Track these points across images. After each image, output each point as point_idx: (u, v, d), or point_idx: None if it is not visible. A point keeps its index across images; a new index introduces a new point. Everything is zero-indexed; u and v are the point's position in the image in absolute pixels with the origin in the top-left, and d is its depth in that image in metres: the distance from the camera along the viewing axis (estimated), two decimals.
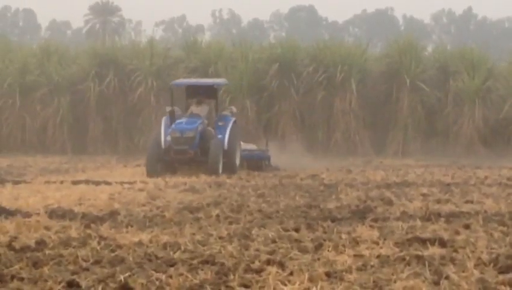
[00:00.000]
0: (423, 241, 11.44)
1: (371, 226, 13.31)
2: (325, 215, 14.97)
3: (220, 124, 23.80)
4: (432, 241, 11.37)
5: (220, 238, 12.03)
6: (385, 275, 9.16)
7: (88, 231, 12.55)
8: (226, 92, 34.18)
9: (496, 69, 35.93)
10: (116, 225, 13.50)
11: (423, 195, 18.66)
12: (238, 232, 12.58)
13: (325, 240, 11.65)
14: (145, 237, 12.04)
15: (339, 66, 34.87)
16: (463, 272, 9.24)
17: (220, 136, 23.39)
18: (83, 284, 8.58)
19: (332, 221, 14.08)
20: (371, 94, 34.88)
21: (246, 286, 8.71)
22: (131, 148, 35.42)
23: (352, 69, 34.75)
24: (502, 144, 33.35)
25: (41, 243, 11.28)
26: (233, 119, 24.38)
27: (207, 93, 24.88)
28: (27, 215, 14.27)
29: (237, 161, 23.95)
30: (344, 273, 9.22)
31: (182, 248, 11.03)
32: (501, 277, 8.93)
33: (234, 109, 25.32)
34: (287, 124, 34.28)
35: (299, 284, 8.61)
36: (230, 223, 13.88)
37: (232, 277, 9.05)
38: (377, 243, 11.39)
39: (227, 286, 8.67)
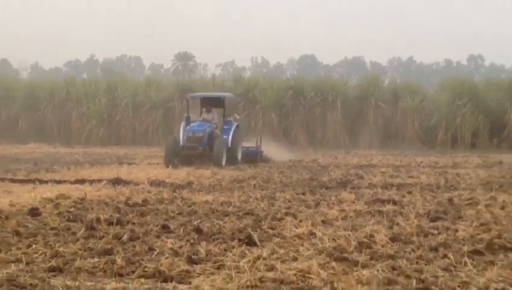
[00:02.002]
0: (382, 201, 13.31)
1: (349, 192, 15.24)
2: (321, 185, 17.00)
3: (225, 127, 24.17)
4: (388, 201, 13.26)
5: (256, 198, 13.89)
6: (359, 222, 10.83)
7: (174, 194, 14.49)
8: (260, 108, 37.73)
9: (427, 95, 38.09)
10: (192, 190, 15.40)
11: (382, 173, 20.73)
12: (267, 195, 14.51)
13: (321, 200, 13.65)
14: (209, 197, 13.86)
15: (329, 92, 37.46)
16: (407, 220, 10.88)
17: (224, 136, 23.60)
18: (171, 226, 10.23)
19: (326, 188, 16.14)
20: (350, 110, 37.26)
21: (272, 229, 10.18)
22: None
23: (338, 94, 37.41)
24: (431, 141, 35.27)
25: (145, 201, 13.21)
26: (236, 123, 24.56)
27: (217, 103, 25.35)
28: (136, 184, 16.27)
29: (239, 156, 24.24)
30: (333, 221, 10.93)
31: (232, 204, 12.89)
32: (431, 224, 10.67)
33: (237, 116, 25.96)
34: (297, 128, 36.59)
35: (305, 228, 10.04)
36: (262, 189, 15.82)
37: (263, 223, 10.70)
38: (354, 202, 13.25)
39: (260, 229, 10.12)
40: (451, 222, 11.00)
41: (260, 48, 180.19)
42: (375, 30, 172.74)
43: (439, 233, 9.90)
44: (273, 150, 26.89)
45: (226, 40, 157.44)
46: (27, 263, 7.94)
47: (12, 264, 7.86)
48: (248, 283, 7.01)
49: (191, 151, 22.93)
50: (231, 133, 23.78)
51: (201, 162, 22.92)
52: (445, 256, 8.30)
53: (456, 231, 10.06)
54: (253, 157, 24.73)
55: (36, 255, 8.36)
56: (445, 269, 7.66)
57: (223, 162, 22.43)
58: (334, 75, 60.61)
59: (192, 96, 27.68)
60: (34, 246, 8.85)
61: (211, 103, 25.26)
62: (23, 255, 8.29)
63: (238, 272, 7.44)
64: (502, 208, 12.54)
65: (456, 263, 7.94)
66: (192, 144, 22.86)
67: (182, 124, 23.73)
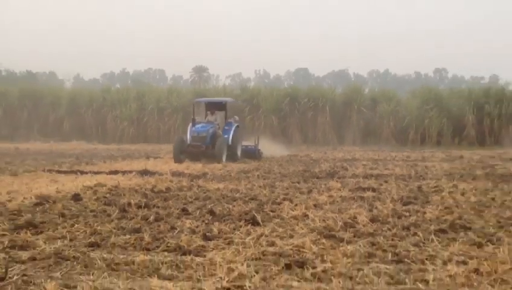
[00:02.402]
0: (363, 189, 13.30)
1: (336, 181, 15.17)
2: (313, 175, 16.90)
3: (226, 128, 23.24)
4: (368, 189, 13.26)
5: (259, 186, 13.83)
6: (344, 206, 10.85)
7: (192, 183, 14.44)
8: (262, 112, 37.24)
9: (400, 101, 37.88)
10: (206, 180, 15.36)
11: (363, 165, 20.59)
12: (268, 184, 14.42)
13: (313, 188, 13.61)
14: (221, 185, 13.89)
15: (320, 99, 37.29)
16: (384, 204, 10.89)
17: (225, 136, 22.69)
18: (189, 209, 10.29)
19: (317, 178, 16.02)
20: (336, 113, 37.00)
21: (272, 211, 10.22)
22: None
23: (327, 100, 37.17)
24: (403, 140, 35.09)
25: (168, 189, 13.21)
26: (236, 124, 23.55)
27: (219, 107, 24.34)
28: (160, 174, 16.23)
29: (239, 153, 23.32)
30: (323, 205, 10.96)
31: (240, 191, 12.90)
32: (404, 207, 10.66)
33: (237, 118, 24.70)
34: (293, 129, 36.40)
35: (300, 211, 10.09)
36: (264, 179, 15.74)
37: (265, 206, 10.75)
38: (340, 190, 13.20)
39: (263, 211, 10.15)
40: (420, 205, 11.01)
41: (262, 62, 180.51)
42: (357, 47, 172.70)
43: (410, 215, 9.93)
44: (273, 147, 26.58)
45: (235, 56, 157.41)
46: (71, 239, 7.99)
47: (59, 240, 7.91)
48: (253, 256, 7.07)
49: (196, 149, 22.13)
50: (231, 133, 22.95)
51: (205, 158, 21.85)
52: (415, 234, 8.34)
53: (424, 213, 10.07)
54: (252, 154, 23.88)
55: (78, 233, 8.41)
56: (415, 245, 7.71)
57: (224, 159, 21.72)
58: (324, 85, 60.72)
59: (198, 101, 26.98)
60: (76, 225, 8.91)
61: (215, 106, 24.46)
62: (67, 233, 8.34)
63: (245, 247, 7.50)
64: (462, 194, 12.56)
65: (424, 240, 7.98)
66: (196, 142, 22.15)
67: (189, 126, 23.08)
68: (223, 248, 7.51)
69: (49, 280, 5.90)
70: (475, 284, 5.91)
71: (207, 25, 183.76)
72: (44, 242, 7.74)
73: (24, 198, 11.50)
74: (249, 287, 5.70)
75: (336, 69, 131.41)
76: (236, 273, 6.20)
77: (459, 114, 35.64)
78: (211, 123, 22.91)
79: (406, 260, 6.92)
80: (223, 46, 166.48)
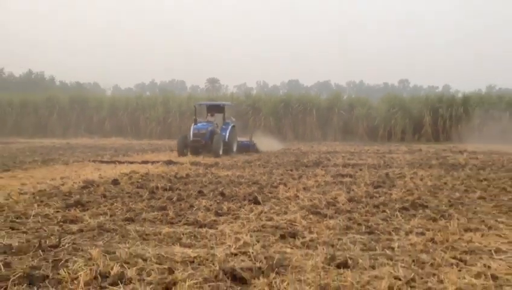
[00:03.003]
0: (343, 175, 13.29)
1: (321, 169, 15.09)
2: (302, 164, 16.75)
3: (223, 127, 22.13)
4: (346, 175, 13.28)
5: (260, 173, 13.82)
6: (327, 189, 10.78)
7: (206, 170, 14.43)
8: (262, 114, 36.83)
9: (372, 106, 37.58)
10: (218, 168, 15.31)
11: (342, 157, 20.26)
12: (267, 171, 14.39)
13: (302, 175, 13.55)
14: (229, 173, 13.87)
15: (308, 104, 37.12)
16: (359, 187, 10.89)
17: (223, 133, 21.67)
18: (205, 191, 10.32)
19: (306, 167, 15.91)
20: (322, 116, 36.80)
21: (270, 193, 10.19)
22: None
23: (314, 105, 36.91)
24: (374, 136, 35.03)
25: (187, 175, 13.17)
26: (232, 124, 22.43)
27: (218, 109, 23.08)
28: (181, 164, 16.22)
29: (234, 148, 22.31)
30: (310, 188, 10.94)
31: (244, 177, 12.88)
32: (375, 190, 10.71)
33: (233, 119, 23.53)
34: (286, 128, 36.21)
35: (292, 192, 10.10)
36: (264, 167, 15.63)
37: (265, 189, 10.73)
38: (324, 176, 13.13)
39: (263, 193, 10.11)
40: (388, 188, 11.01)
41: (263, 75, 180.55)
42: (338, 62, 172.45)
43: (379, 196, 9.94)
44: (271, 143, 26.43)
45: (241, 70, 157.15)
46: (110, 215, 8.01)
47: (101, 216, 7.93)
48: (255, 228, 7.07)
49: (196, 143, 21.06)
50: (228, 131, 21.95)
51: (204, 152, 20.81)
52: (383, 211, 8.36)
53: (391, 194, 10.07)
54: (247, 149, 22.87)
55: (116, 210, 8.42)
56: (383, 219, 7.73)
57: (220, 152, 20.61)
58: (311, 93, 60.48)
59: (200, 104, 25.18)
60: (115, 204, 8.93)
61: (214, 109, 23.20)
62: (108, 210, 8.36)
63: (248, 221, 7.51)
64: (421, 179, 12.55)
65: (390, 216, 8.00)
66: (197, 138, 21.03)
67: (192, 125, 21.73)
68: (231, 222, 7.52)
69: (93, 247, 5.91)
70: (431, 250, 5.92)
71: (219, 45, 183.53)
72: (90, 217, 7.76)
73: (74, 182, 11.53)
74: (252, 253, 5.69)
75: (320, 80, 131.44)
76: (241, 242, 6.22)
77: (419, 116, 35.63)
78: (211, 123, 21.86)
79: (376, 231, 6.95)
80: (232, 62, 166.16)
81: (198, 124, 21.62)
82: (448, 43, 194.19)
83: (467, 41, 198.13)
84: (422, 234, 6.73)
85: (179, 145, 21.19)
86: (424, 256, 5.64)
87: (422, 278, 4.87)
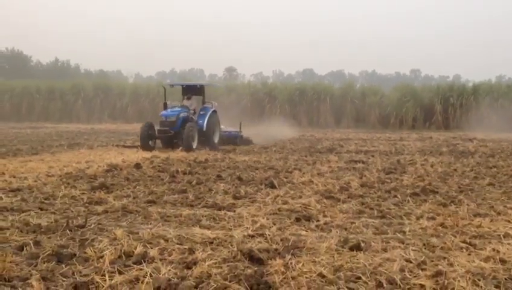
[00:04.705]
0: (355, 161, 13.27)
1: (334, 155, 15.08)
2: (316, 150, 16.66)
3: (201, 112, 17.47)
4: (359, 161, 13.27)
5: (276, 159, 13.83)
6: (340, 175, 10.81)
7: (224, 156, 14.42)
8: (278, 102, 36.18)
9: (384, 94, 36.99)
10: (235, 154, 15.30)
11: (355, 143, 20.02)
12: (283, 157, 14.40)
13: (316, 160, 13.58)
14: (247, 158, 13.85)
15: (322, 92, 36.74)
16: (371, 173, 10.96)
17: (200, 121, 17.09)
18: (223, 176, 10.39)
19: (320, 153, 15.83)
20: (335, 104, 36.37)
21: (286, 178, 10.19)
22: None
23: (327, 94, 36.51)
24: (386, 124, 34.60)
25: (206, 160, 13.17)
26: (212, 109, 17.73)
27: (196, 91, 18.28)
28: (200, 149, 16.05)
29: (215, 139, 17.58)
30: (324, 173, 10.97)
31: (260, 162, 12.91)
32: (386, 176, 10.72)
33: (215, 103, 18.61)
34: (301, 115, 35.87)
35: (307, 177, 10.10)
36: (279, 153, 15.56)
37: (280, 174, 10.76)
38: (337, 162, 13.15)
39: (278, 178, 10.11)
40: (399, 174, 10.96)
41: (278, 64, 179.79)
42: (351, 52, 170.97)
43: (391, 181, 9.90)
44: (286, 130, 26.21)
45: (258, 59, 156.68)
46: (133, 197, 8.06)
47: (124, 198, 7.99)
48: (271, 211, 7.08)
49: (163, 134, 16.61)
50: (206, 118, 17.25)
51: (174, 144, 16.57)
52: (395, 196, 8.33)
53: (402, 180, 10.03)
54: (234, 140, 18.87)
55: (139, 192, 8.47)
56: (395, 204, 7.70)
57: (194, 145, 16.18)
58: (325, 82, 60.09)
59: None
60: (137, 187, 9.00)
61: (190, 91, 18.32)
62: (131, 193, 8.42)
63: (265, 205, 7.52)
64: (431, 166, 12.48)
65: (402, 201, 7.98)
66: (164, 128, 16.57)
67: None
68: (248, 205, 7.55)
69: (118, 228, 5.98)
70: (441, 235, 5.89)
71: (237, 34, 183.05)
72: (114, 199, 7.83)
73: (98, 166, 11.61)
74: (268, 235, 5.71)
75: (334, 69, 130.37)
76: (258, 224, 6.24)
77: (429, 104, 35.24)
78: (185, 108, 17.24)
79: (388, 216, 6.93)
80: (249, 50, 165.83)
81: (168, 110, 17.14)
82: (462, 35, 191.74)
83: (477, 31, 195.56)
84: (433, 218, 6.70)
85: (142, 137, 16.51)
86: (434, 240, 5.62)
87: (432, 261, 4.85)
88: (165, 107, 17.44)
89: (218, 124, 18.10)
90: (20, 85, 41.19)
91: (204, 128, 17.13)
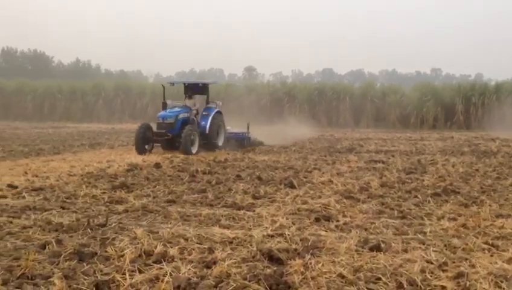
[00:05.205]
0: (375, 161, 13.21)
1: (354, 155, 15.01)
2: (336, 150, 16.63)
3: (204, 113, 16.08)
4: (379, 161, 13.17)
5: (295, 158, 13.81)
6: (360, 174, 10.78)
7: (244, 155, 14.41)
8: (297, 102, 36.00)
9: (404, 93, 36.46)
10: (255, 153, 15.33)
11: (375, 143, 19.88)
12: (302, 156, 14.37)
13: (336, 160, 13.55)
14: (266, 158, 13.87)
15: (341, 92, 36.46)
16: (391, 173, 10.91)
17: (202, 122, 15.76)
18: (242, 175, 10.42)
19: (339, 153, 15.80)
20: (354, 103, 35.98)
21: (305, 177, 10.23)
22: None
23: (347, 93, 36.22)
24: (406, 124, 34.16)
25: (226, 160, 13.21)
26: (216, 109, 16.37)
27: (199, 90, 16.85)
28: (220, 149, 15.92)
29: (219, 142, 16.26)
30: (344, 173, 10.96)
31: (280, 162, 12.91)
32: (406, 176, 10.64)
33: (219, 103, 17.24)
34: (321, 115, 35.63)
35: (326, 177, 10.11)
36: (299, 153, 15.53)
37: (300, 173, 10.78)
38: (357, 162, 13.10)
39: (298, 177, 10.15)
40: (420, 174, 10.87)
41: (298, 63, 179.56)
42: (371, 51, 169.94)
43: (411, 182, 9.82)
44: (304, 129, 26.05)
45: (277, 59, 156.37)
46: (153, 197, 8.11)
47: (145, 198, 8.05)
48: (290, 211, 7.08)
49: (159, 137, 15.07)
50: (209, 119, 15.86)
51: (172, 148, 15.14)
52: (416, 196, 8.27)
53: (423, 180, 9.95)
54: (241, 142, 17.42)
55: (159, 192, 8.53)
56: (416, 205, 7.65)
57: (194, 150, 14.71)
58: (344, 81, 59.71)
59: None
60: (157, 186, 9.06)
61: (192, 90, 16.78)
62: (151, 192, 8.48)
63: (284, 204, 7.52)
64: (453, 166, 12.35)
65: (423, 201, 7.91)
66: (161, 130, 15.09)
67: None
68: (268, 205, 7.55)
69: (138, 227, 6.02)
70: (463, 235, 5.83)
71: (256, 34, 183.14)
72: (134, 198, 7.89)
73: (119, 165, 11.74)
74: (288, 234, 5.70)
75: (354, 68, 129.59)
76: (278, 224, 6.24)
77: (451, 103, 34.81)
78: (186, 108, 15.87)
79: (408, 216, 6.88)
80: (268, 50, 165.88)
81: (166, 111, 15.76)
82: (483, 32, 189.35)
83: (499, 29, 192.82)
84: (454, 219, 6.63)
85: (137, 141, 14.96)
86: (456, 241, 5.55)
87: (454, 262, 4.79)
88: (164, 107, 16.02)
89: (223, 126, 16.77)
90: (43, 85, 41.72)
91: (207, 131, 15.79)
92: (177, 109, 15.74)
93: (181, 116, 15.46)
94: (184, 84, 17.33)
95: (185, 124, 15.27)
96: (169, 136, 15.03)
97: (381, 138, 23.87)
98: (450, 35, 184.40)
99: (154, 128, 15.39)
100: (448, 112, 34.71)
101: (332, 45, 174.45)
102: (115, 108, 40.31)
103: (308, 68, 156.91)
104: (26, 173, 10.44)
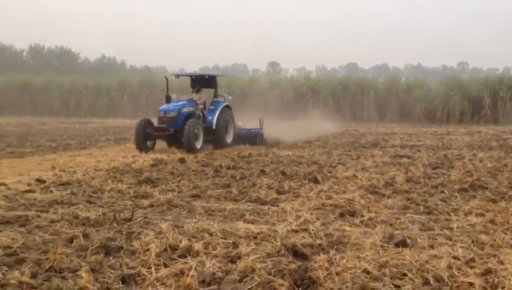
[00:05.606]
0: (400, 156, 13.06)
1: (379, 149, 14.94)
2: (360, 145, 16.53)
3: (211, 107, 15.11)
4: (404, 156, 13.03)
5: (319, 153, 13.81)
6: (385, 169, 10.70)
7: (268, 150, 14.37)
8: (321, 96, 35.89)
9: (430, 88, 35.92)
10: (279, 148, 15.27)
11: (400, 138, 19.74)
12: (326, 151, 14.37)
13: (360, 155, 13.48)
14: (290, 153, 13.92)
15: (366, 86, 36.15)
16: (417, 168, 10.78)
17: (209, 118, 14.86)
18: (266, 170, 10.42)
19: (363, 147, 15.71)
20: (379, 98, 35.62)
21: (329, 172, 10.20)
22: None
23: (371, 87, 35.90)
24: (432, 118, 33.67)
25: (250, 154, 13.28)
26: (224, 104, 15.32)
27: (206, 83, 15.77)
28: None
29: (228, 138, 15.27)
30: (368, 168, 10.88)
31: (304, 157, 12.88)
32: (433, 171, 10.51)
33: (229, 97, 16.27)
34: (345, 110, 35.37)
35: (350, 172, 10.05)
36: (323, 148, 15.50)
37: (324, 168, 10.75)
38: (381, 157, 13.03)
39: (322, 172, 10.11)
40: (446, 169, 10.73)
41: (322, 58, 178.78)
42: (396, 45, 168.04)
43: (438, 177, 9.70)
44: (329, 124, 25.84)
45: (301, 54, 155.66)
46: (178, 192, 8.17)
47: (170, 192, 8.10)
48: (315, 206, 7.05)
49: (160, 132, 14.15)
50: (216, 114, 14.86)
51: (175, 145, 14.28)
52: (442, 192, 8.18)
53: (449, 175, 9.82)
54: (254, 139, 16.32)
55: (183, 187, 8.57)
56: (442, 200, 7.56)
57: (198, 145, 13.89)
58: (369, 76, 59.11)
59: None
60: (182, 181, 9.11)
61: (199, 82, 15.72)
62: (176, 187, 8.54)
63: (308, 199, 7.50)
64: (480, 161, 12.17)
65: (449, 196, 7.81)
66: (162, 125, 14.14)
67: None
68: (292, 200, 7.54)
69: (163, 221, 6.07)
70: (491, 231, 5.73)
71: (280, 29, 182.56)
72: (159, 193, 7.94)
73: (144, 160, 11.88)
74: (312, 230, 5.68)
75: (378, 63, 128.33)
76: (302, 219, 6.22)
77: (478, 98, 34.22)
78: (191, 101, 14.93)
79: (434, 211, 6.80)
80: (292, 45, 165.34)
81: (168, 104, 14.77)
82: (508, 23, 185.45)
83: None
84: (482, 215, 6.54)
85: (136, 136, 14.24)
86: (483, 237, 5.46)
87: (482, 258, 4.71)
88: (168, 101, 14.98)
89: (232, 121, 15.71)
90: (69, 82, 42.29)
91: (214, 126, 14.79)
92: (180, 103, 14.74)
93: (185, 110, 14.43)
94: (191, 76, 16.35)
95: (189, 118, 14.25)
96: (170, 132, 14.03)
97: (406, 132, 23.61)
98: (476, 29, 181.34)
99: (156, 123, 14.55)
100: (476, 106, 34.14)
101: (356, 39, 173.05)
102: (139, 103, 40.63)
103: (332, 63, 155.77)
104: (53, 167, 10.63)
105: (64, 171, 10.21)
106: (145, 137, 14.17)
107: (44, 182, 8.86)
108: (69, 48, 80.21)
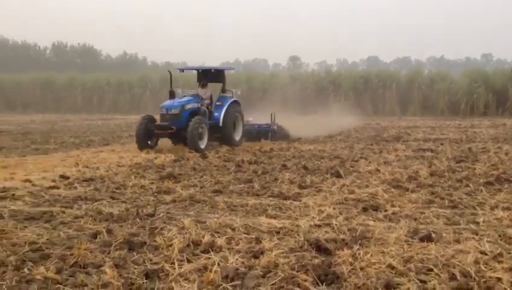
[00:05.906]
0: (423, 150, 12.90)
1: (401, 143, 14.75)
2: (383, 139, 16.38)
3: (218, 103, 14.27)
4: (427, 150, 12.86)
5: (341, 148, 13.71)
6: (408, 163, 10.57)
7: (289, 145, 14.39)
8: (342, 90, 35.71)
9: (453, 80, 35.38)
10: (300, 143, 15.20)
11: (423, 131, 19.54)
12: (348, 145, 14.26)
13: (383, 149, 13.36)
14: (311, 147, 13.84)
15: (387, 79, 35.79)
16: (441, 162, 10.67)
17: (215, 114, 14.03)
18: (288, 165, 10.35)
19: (386, 141, 15.56)
20: (401, 91, 35.17)
21: (352, 167, 10.14)
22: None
23: (393, 80, 35.53)
24: (455, 111, 33.11)
25: (271, 149, 13.28)
26: (232, 99, 14.49)
27: (213, 77, 14.96)
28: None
29: (236, 135, 14.45)
30: (391, 162, 10.79)
31: (326, 151, 12.83)
32: (457, 164, 10.36)
33: (238, 92, 15.44)
34: (366, 103, 35.01)
35: (373, 166, 9.98)
36: (345, 142, 15.39)
37: (346, 163, 10.67)
38: (404, 151, 12.87)
39: (344, 167, 10.04)
40: (471, 163, 10.56)
41: (342, 51, 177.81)
42: (418, 38, 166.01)
43: (462, 170, 9.56)
44: (350, 118, 25.62)
45: (321, 47, 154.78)
46: (200, 187, 8.18)
47: (192, 188, 8.12)
48: (337, 201, 7.01)
49: (162, 130, 13.31)
50: (223, 110, 14.05)
51: (178, 143, 13.82)
52: (467, 185, 8.06)
53: (474, 169, 9.66)
54: (266, 135, 15.79)
55: (206, 182, 8.59)
56: (467, 194, 7.45)
57: (202, 145, 12.97)
58: (390, 69, 58.57)
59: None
60: (204, 177, 9.13)
61: (206, 77, 14.90)
62: (198, 182, 8.56)
63: (331, 194, 7.46)
64: (506, 154, 11.96)
65: (474, 190, 7.71)
66: (164, 122, 13.31)
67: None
68: (314, 195, 7.50)
69: (186, 217, 6.08)
70: None
71: (300, 24, 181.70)
72: (181, 189, 7.96)
73: (166, 156, 11.92)
74: (335, 224, 5.63)
75: (400, 56, 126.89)
76: (325, 214, 6.19)
77: (503, 89, 33.64)
78: (197, 97, 14.07)
79: (460, 205, 6.70)
80: (312, 39, 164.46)
81: (171, 100, 13.86)
82: None
83: None
84: (509, 209, 6.42)
85: (137, 134, 13.46)
86: (511, 231, 5.36)
87: (509, 253, 4.62)
88: (171, 96, 14.09)
89: (241, 118, 14.93)
90: (91, 79, 42.75)
91: (221, 123, 13.98)
92: (184, 99, 13.88)
93: (189, 106, 13.57)
94: (197, 70, 15.54)
95: (193, 115, 13.38)
96: (173, 130, 13.19)
97: (429, 125, 23.29)
98: (501, 19, 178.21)
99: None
100: (500, 98, 33.56)
101: (377, 32, 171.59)
102: (161, 99, 40.72)
103: (353, 56, 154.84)
104: (77, 164, 10.73)
105: (87, 167, 10.30)
106: (146, 135, 13.39)
107: (68, 178, 8.95)
108: (91, 45, 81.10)
